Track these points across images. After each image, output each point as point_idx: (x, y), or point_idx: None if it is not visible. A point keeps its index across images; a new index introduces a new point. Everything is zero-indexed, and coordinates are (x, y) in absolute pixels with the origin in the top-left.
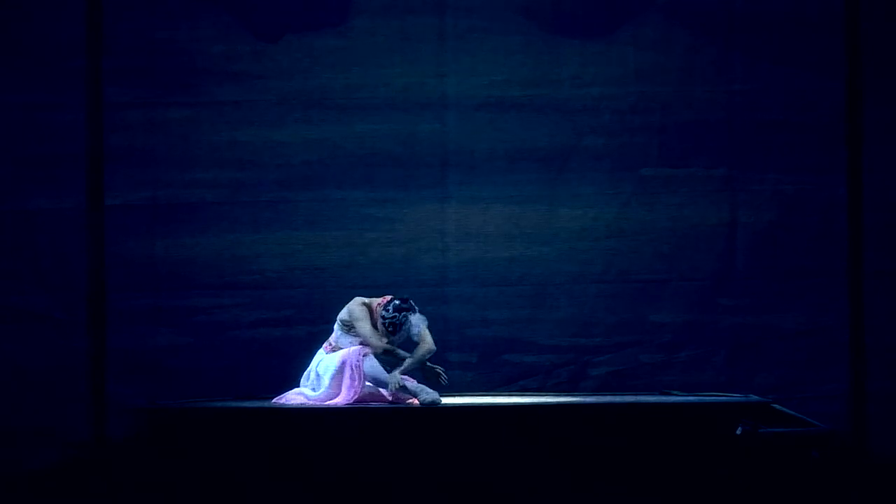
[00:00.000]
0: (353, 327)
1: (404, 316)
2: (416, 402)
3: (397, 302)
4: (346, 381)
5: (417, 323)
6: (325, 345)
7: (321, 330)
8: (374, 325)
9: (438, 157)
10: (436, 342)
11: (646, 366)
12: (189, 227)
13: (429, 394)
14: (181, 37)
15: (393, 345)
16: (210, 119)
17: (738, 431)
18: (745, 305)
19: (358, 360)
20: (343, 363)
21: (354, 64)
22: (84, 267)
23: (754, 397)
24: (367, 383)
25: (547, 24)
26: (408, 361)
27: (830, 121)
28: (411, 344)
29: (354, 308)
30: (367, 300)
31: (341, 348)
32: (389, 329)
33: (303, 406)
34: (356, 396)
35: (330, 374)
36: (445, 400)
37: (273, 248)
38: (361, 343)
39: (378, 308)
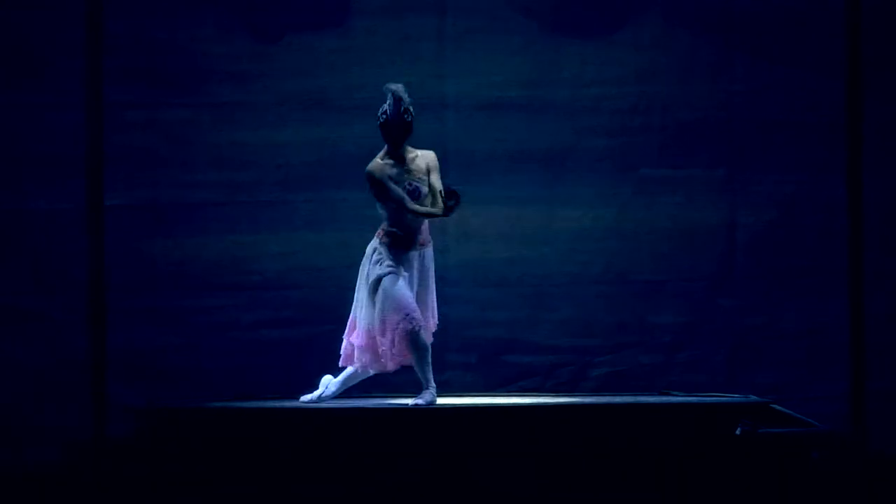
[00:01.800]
0: (380, 195)
1: (388, 99)
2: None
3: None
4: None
5: (398, 88)
6: (377, 232)
7: (321, 331)
8: (398, 173)
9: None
10: (435, 343)
11: (645, 366)
12: (188, 228)
13: (428, 394)
14: (181, 37)
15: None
16: (210, 119)
17: (738, 432)
18: (744, 306)
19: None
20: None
21: (354, 64)
22: (83, 267)
23: (754, 398)
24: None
25: (547, 24)
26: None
27: (830, 120)
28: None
29: (367, 176)
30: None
31: (388, 226)
32: (388, 121)
33: (302, 406)
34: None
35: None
36: (445, 401)
37: (272, 248)
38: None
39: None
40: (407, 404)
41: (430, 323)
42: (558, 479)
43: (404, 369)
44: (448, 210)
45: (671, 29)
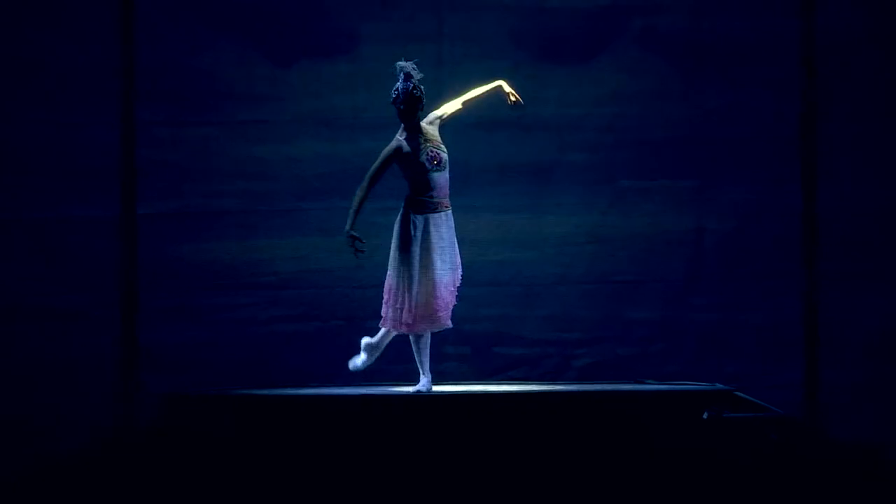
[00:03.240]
0: (401, 168)
1: (399, 76)
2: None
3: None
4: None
5: (408, 65)
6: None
7: (331, 326)
8: (416, 145)
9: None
10: (434, 337)
11: (622, 358)
12: (212, 233)
13: (425, 382)
14: (206, 63)
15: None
16: (231, 136)
17: (705, 416)
18: (711, 304)
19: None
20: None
21: (361, 87)
22: (118, 269)
23: (719, 386)
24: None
25: (534, 51)
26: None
27: (787, 137)
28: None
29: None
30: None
31: (412, 194)
32: (402, 103)
33: (313, 393)
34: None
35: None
36: (444, 388)
37: (287, 251)
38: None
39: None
40: (409, 391)
41: (456, 276)
42: (543, 458)
43: (406, 358)
44: (348, 239)
45: (645, 56)
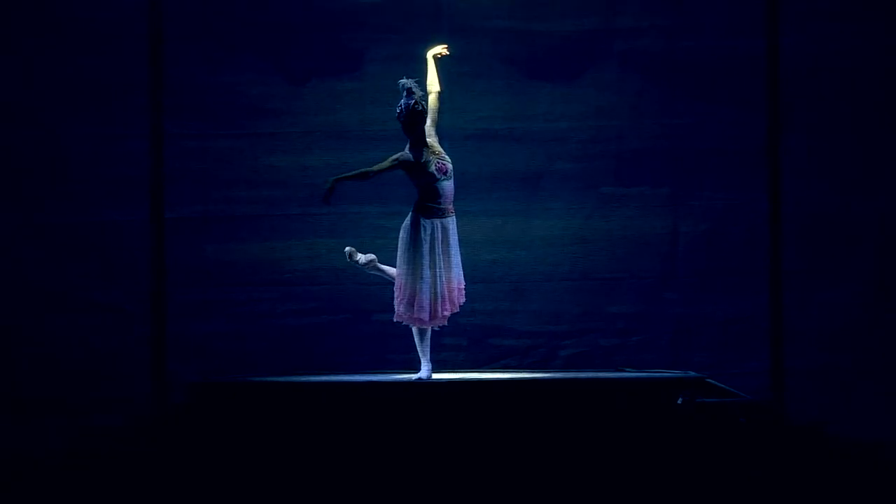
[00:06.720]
0: (411, 176)
1: (402, 93)
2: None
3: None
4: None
5: (409, 82)
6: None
7: (341, 319)
8: (422, 157)
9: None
10: (433, 330)
11: (604, 348)
12: (233, 235)
13: (425, 370)
14: (226, 80)
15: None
16: (250, 147)
17: (679, 401)
18: (684, 298)
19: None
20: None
21: (367, 103)
22: (148, 268)
23: (692, 373)
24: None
25: (524, 70)
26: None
27: (754, 148)
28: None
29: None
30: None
31: (421, 201)
32: (406, 117)
33: (325, 380)
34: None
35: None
36: (442, 376)
37: (301, 252)
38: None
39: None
40: (411, 378)
41: (460, 281)
42: (533, 438)
43: (408, 349)
44: (330, 182)
45: (625, 74)
